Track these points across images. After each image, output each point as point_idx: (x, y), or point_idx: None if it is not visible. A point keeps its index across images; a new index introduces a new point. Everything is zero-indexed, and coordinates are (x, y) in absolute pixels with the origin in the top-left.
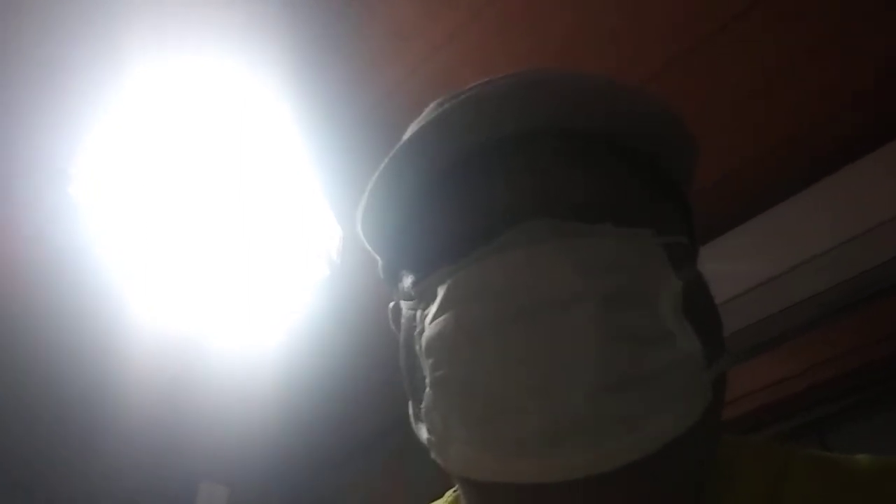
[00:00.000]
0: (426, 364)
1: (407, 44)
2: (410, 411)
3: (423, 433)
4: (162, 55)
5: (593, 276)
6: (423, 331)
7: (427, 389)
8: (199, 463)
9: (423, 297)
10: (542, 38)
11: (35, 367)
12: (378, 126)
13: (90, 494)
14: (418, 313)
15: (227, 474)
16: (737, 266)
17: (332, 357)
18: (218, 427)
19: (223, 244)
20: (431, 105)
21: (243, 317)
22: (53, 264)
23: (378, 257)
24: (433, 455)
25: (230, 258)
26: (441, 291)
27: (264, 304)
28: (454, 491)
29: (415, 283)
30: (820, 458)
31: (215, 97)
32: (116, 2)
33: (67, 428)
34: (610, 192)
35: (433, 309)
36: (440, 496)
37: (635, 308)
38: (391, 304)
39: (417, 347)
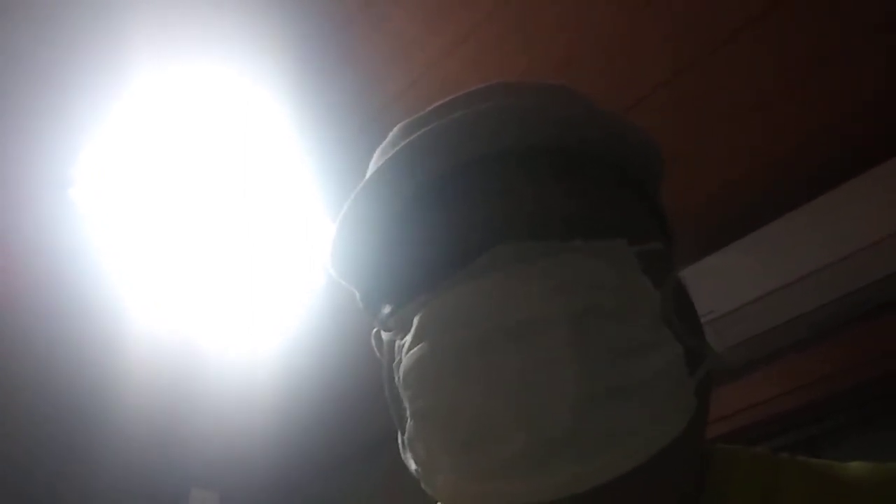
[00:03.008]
0: (405, 395)
1: (407, 56)
2: (399, 441)
3: (410, 464)
4: (164, 62)
5: (565, 295)
6: (400, 362)
7: (409, 420)
8: (191, 468)
9: (399, 326)
10: (540, 52)
11: (31, 370)
12: (377, 136)
13: (81, 497)
14: (396, 343)
15: (218, 480)
16: (728, 284)
17: (327, 365)
18: (210, 433)
19: (222, 250)
20: (395, 130)
21: (239, 323)
22: (53, 268)
23: (355, 290)
24: (422, 485)
25: (228, 264)
26: (415, 321)
27: (261, 310)
28: None
29: (391, 314)
30: (813, 466)
31: (217, 106)
32: (118, 8)
33: (61, 430)
34: (577, 204)
35: (408, 339)
36: None
37: (613, 321)
38: (374, 331)
39: (397, 378)
